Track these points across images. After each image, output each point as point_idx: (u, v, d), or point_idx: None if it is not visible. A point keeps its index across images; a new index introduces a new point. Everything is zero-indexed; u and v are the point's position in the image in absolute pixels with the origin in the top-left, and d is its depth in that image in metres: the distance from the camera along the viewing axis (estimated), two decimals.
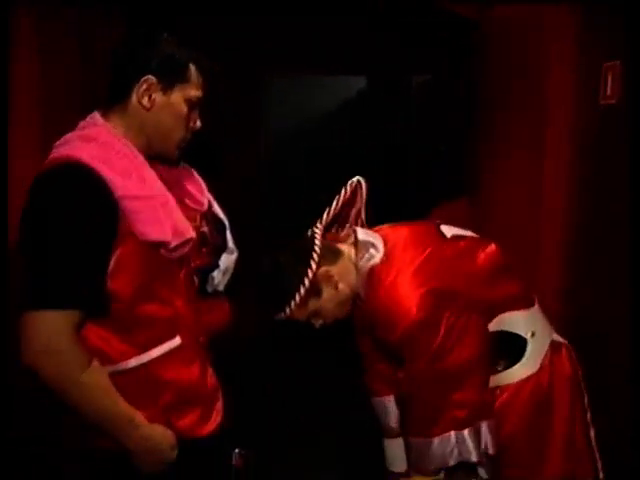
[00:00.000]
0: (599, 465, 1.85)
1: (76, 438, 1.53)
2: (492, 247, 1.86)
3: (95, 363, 1.41)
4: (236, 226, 2.35)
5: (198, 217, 1.74)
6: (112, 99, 1.53)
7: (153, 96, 1.50)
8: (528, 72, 2.20)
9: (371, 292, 1.78)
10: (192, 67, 1.53)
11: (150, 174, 1.50)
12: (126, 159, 1.47)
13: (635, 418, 1.68)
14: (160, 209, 1.46)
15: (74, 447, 1.56)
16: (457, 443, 1.71)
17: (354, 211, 1.90)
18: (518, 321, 1.81)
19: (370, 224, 1.94)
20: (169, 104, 1.52)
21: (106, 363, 1.44)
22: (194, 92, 1.54)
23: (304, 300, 1.77)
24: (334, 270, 1.81)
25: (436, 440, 1.73)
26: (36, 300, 1.35)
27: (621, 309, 1.91)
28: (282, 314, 1.79)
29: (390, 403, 2.07)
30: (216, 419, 1.62)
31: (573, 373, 1.86)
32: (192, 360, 1.57)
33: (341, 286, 1.82)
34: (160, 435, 1.49)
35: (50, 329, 1.35)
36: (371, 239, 1.84)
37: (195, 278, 1.93)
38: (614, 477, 1.90)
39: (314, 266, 1.76)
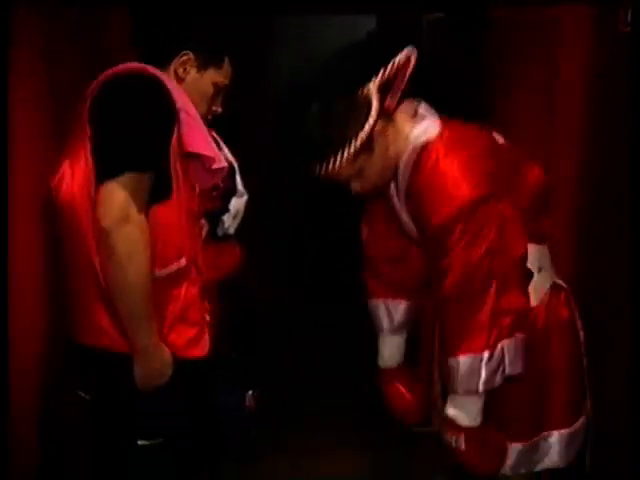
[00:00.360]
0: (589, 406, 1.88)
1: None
2: (538, 171, 1.83)
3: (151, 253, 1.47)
4: (246, 169, 2.34)
5: None
6: (150, 60, 1.60)
7: (188, 69, 1.65)
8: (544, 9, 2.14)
9: (423, 166, 1.69)
10: (226, 57, 1.71)
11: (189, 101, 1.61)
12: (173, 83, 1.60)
13: (635, 417, 1.67)
14: (207, 133, 1.59)
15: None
16: (505, 356, 1.66)
17: (405, 81, 1.73)
18: (530, 253, 1.74)
19: None
20: (199, 82, 1.67)
21: None
22: (223, 79, 1.70)
23: (358, 152, 1.65)
24: (390, 130, 1.73)
25: (486, 354, 1.63)
26: (113, 167, 1.42)
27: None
28: (331, 165, 1.66)
29: (385, 305, 2.05)
30: (206, 344, 1.65)
31: (570, 317, 1.86)
32: (194, 282, 1.62)
33: (392, 149, 1.72)
34: (162, 357, 1.54)
35: (127, 198, 1.41)
36: (429, 114, 1.76)
37: (205, 223, 1.94)
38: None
39: (375, 116, 1.65)
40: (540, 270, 1.81)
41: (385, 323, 2.05)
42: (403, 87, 1.71)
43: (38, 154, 1.75)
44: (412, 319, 2.06)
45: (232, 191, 2.23)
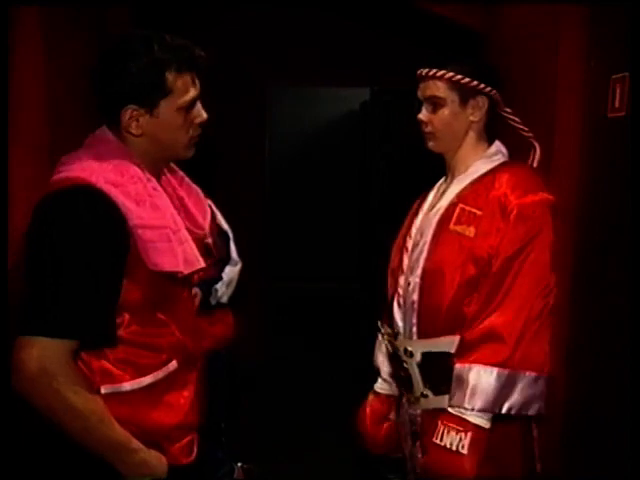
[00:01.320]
0: None
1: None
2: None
3: (88, 389, 1.37)
4: (239, 237, 2.34)
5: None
6: (108, 123, 1.49)
7: (140, 121, 1.44)
8: (535, 86, 2.20)
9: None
10: (170, 75, 1.43)
11: (162, 201, 1.46)
12: (140, 183, 1.42)
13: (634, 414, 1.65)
14: (173, 238, 1.43)
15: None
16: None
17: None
18: None
19: (377, 231, 1.93)
20: (160, 122, 1.46)
21: (101, 385, 1.41)
22: (182, 98, 1.46)
23: (454, 82, 1.81)
24: (479, 116, 1.86)
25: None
26: (32, 326, 1.31)
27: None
28: (440, 72, 1.81)
29: None
30: (196, 448, 1.59)
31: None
32: (186, 385, 1.54)
33: (474, 129, 1.87)
34: (156, 459, 1.46)
35: (42, 355, 1.30)
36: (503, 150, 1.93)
37: (198, 291, 1.92)
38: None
39: (481, 83, 1.81)
40: None
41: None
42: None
43: (41, 155, 1.73)
44: None
45: (226, 260, 2.22)
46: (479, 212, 1.76)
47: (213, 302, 2.15)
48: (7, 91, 1.59)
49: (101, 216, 1.35)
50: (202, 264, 1.51)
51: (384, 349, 2.04)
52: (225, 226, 2.20)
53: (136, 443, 1.42)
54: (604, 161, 2.11)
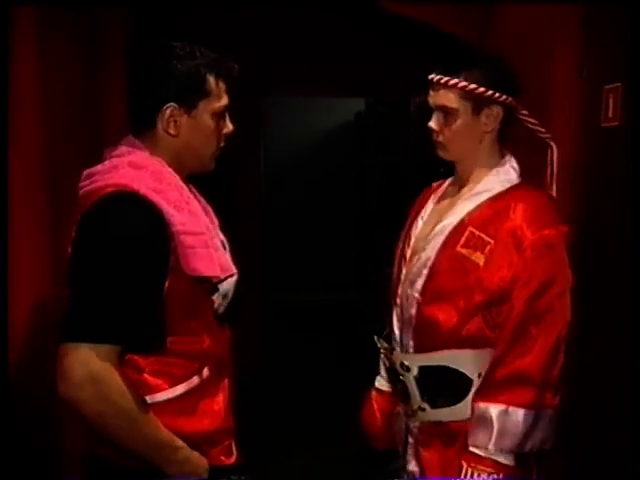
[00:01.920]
0: None
1: (76, 445, 1.55)
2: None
3: (134, 392, 1.38)
4: (236, 248, 2.33)
5: None
6: (138, 128, 1.50)
7: (178, 121, 1.48)
8: (529, 96, 2.20)
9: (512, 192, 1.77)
10: (210, 78, 1.50)
11: (197, 208, 1.50)
12: (176, 190, 1.45)
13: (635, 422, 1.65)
14: (210, 244, 1.46)
15: (74, 454, 1.55)
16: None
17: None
18: (466, 360, 1.77)
19: (375, 240, 1.91)
20: (196, 124, 1.50)
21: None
22: (218, 103, 1.52)
23: (467, 91, 1.71)
24: (493, 126, 1.78)
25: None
26: (76, 333, 1.32)
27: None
28: (453, 80, 1.72)
29: None
30: (236, 449, 1.62)
31: None
32: (219, 390, 1.56)
33: (487, 139, 1.79)
34: (197, 458, 1.47)
35: (89, 361, 1.30)
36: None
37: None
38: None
39: (496, 92, 1.72)
40: (480, 376, 1.77)
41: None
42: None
43: (38, 154, 1.73)
44: None
45: None
46: (490, 240, 1.70)
47: None
48: (7, 91, 1.60)
49: (147, 222, 1.36)
50: (234, 270, 1.56)
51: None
52: (221, 236, 2.19)
53: (179, 442, 1.44)
54: (598, 170, 2.12)
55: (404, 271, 1.88)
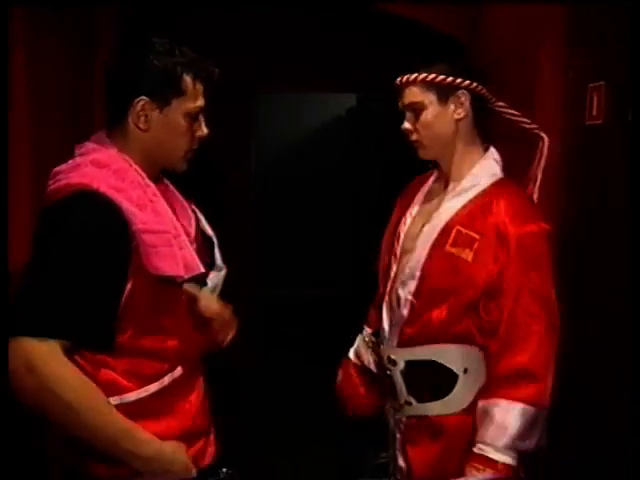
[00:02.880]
0: None
1: (62, 460, 1.52)
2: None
3: (88, 387, 1.35)
4: (226, 245, 2.35)
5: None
6: (111, 121, 1.50)
7: (149, 116, 1.46)
8: (513, 95, 2.23)
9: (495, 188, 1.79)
10: (187, 78, 1.48)
11: (162, 206, 1.48)
12: (140, 189, 1.44)
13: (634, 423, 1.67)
14: (174, 243, 1.44)
15: (61, 469, 1.53)
16: None
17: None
18: (452, 355, 1.79)
19: (365, 238, 1.90)
20: (168, 122, 1.48)
21: (108, 397, 1.39)
22: (193, 104, 1.49)
23: (427, 83, 1.77)
24: (463, 112, 1.80)
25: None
26: (19, 326, 1.30)
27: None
28: (412, 76, 1.79)
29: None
30: (213, 450, 1.59)
31: None
32: (192, 390, 1.54)
33: (461, 128, 1.82)
34: (171, 452, 1.42)
35: (29, 355, 1.28)
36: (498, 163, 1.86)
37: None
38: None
39: (464, 81, 1.76)
40: (466, 371, 1.79)
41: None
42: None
43: (30, 156, 1.73)
44: None
45: (210, 265, 2.22)
46: (477, 236, 1.73)
47: None
48: (7, 92, 1.60)
49: (104, 220, 1.35)
50: (201, 269, 1.53)
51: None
52: (209, 231, 2.20)
53: (145, 433, 1.39)
54: (582, 168, 2.15)
55: (394, 269, 1.89)
